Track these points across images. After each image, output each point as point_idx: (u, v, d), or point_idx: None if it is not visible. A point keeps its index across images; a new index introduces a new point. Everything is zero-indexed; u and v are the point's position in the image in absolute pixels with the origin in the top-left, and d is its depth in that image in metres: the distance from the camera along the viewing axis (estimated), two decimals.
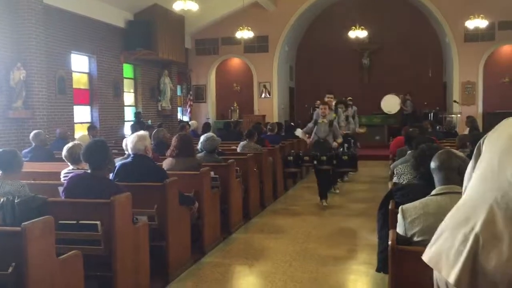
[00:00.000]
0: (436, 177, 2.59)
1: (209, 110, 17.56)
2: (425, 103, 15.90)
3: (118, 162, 4.69)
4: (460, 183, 2.65)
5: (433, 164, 2.61)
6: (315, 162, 7.57)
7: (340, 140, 7.87)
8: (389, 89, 16.62)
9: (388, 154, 8.65)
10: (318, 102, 10.35)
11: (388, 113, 15.72)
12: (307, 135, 8.09)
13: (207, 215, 5.37)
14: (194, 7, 10.57)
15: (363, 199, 8.36)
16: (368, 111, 16.07)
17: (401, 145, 6.55)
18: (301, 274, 4.73)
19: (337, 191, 8.86)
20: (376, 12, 16.88)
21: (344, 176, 9.98)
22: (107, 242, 3.61)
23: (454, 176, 2.53)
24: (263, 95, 17.04)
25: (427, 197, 2.57)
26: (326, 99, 8.75)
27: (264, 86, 16.98)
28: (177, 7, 10.61)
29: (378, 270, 3.39)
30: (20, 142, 9.05)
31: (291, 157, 8.22)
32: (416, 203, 2.57)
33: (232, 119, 16.54)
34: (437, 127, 12.22)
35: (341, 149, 8.02)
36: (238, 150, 8.02)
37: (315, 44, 17.94)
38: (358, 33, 15.48)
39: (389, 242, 2.31)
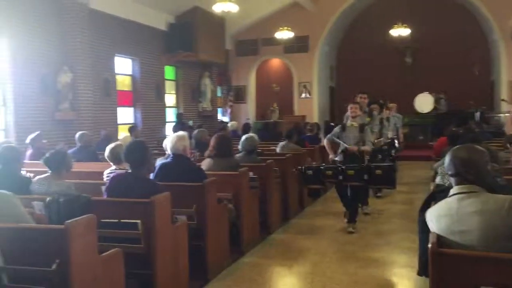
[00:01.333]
0: (451, 175, 2.53)
1: (249, 111, 17.63)
2: (471, 102, 15.40)
3: (158, 162, 4.77)
4: (483, 182, 2.56)
5: (449, 161, 2.54)
6: (340, 177, 6.01)
7: (367, 148, 6.38)
8: (433, 88, 16.25)
9: (431, 155, 8.37)
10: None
11: (421, 112, 15.38)
12: (332, 150, 6.68)
13: (246, 215, 5.39)
14: (234, 8, 10.64)
15: (403, 201, 8.19)
16: (411, 110, 15.72)
17: (445, 146, 6.37)
18: (341, 276, 4.68)
19: (367, 210, 7.28)
20: (419, 9, 16.51)
21: (378, 191, 8.33)
22: (147, 241, 3.68)
23: (472, 175, 2.45)
24: (303, 95, 16.97)
25: (445, 199, 2.51)
26: (358, 99, 7.22)
27: (304, 86, 16.90)
28: (217, 8, 10.71)
29: (420, 273, 3.30)
30: (67, 143, 9.35)
31: (311, 171, 6.22)
32: (436, 206, 2.52)
33: (272, 120, 16.56)
34: (483, 126, 11.83)
35: (379, 157, 6.85)
36: (277, 150, 8.02)
37: (357, 43, 17.73)
38: (400, 31, 15.18)
39: (429, 245, 2.25)
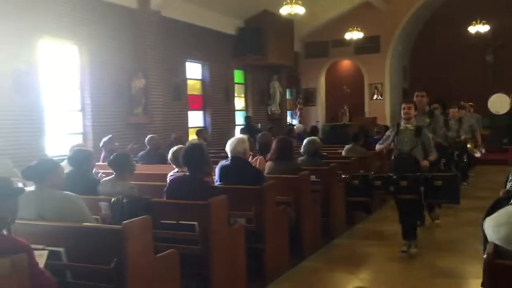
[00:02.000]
0: None
1: (318, 113, 17.47)
2: None
3: (219, 164, 4.85)
4: None
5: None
6: (391, 188, 5.17)
7: (433, 156, 5.42)
8: None
9: (507, 158, 7.83)
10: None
11: (496, 113, 14.35)
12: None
13: (306, 219, 5.34)
14: (301, 10, 10.59)
15: (478, 208, 7.72)
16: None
17: None
18: (406, 284, 4.51)
19: (436, 221, 6.61)
20: (499, 4, 15.55)
21: (435, 208, 6.87)
22: (204, 242, 3.75)
23: None
24: (374, 97, 16.56)
25: (504, 208, 2.33)
26: (415, 98, 6.31)
27: (376, 88, 16.49)
28: (284, 11, 10.72)
29: (483, 285, 3.11)
30: (139, 146, 9.76)
31: (357, 181, 5.50)
32: (494, 214, 2.34)
33: (342, 122, 16.31)
34: None
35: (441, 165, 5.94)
36: (343, 153, 7.87)
37: (432, 42, 17.04)
38: (479, 28, 14.39)
39: (484, 256, 2.10)
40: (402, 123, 5.49)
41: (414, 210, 5.44)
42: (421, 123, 5.74)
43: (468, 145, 8.86)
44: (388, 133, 5.75)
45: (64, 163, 4.37)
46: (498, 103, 14.41)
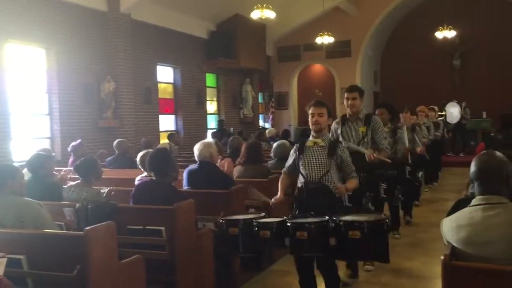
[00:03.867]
0: (475, 184, 2.39)
1: (291, 117, 17.57)
2: None
3: (186, 169, 4.82)
4: (506, 192, 2.42)
5: (471, 168, 2.40)
6: (286, 242, 3.27)
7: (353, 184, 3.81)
8: (484, 90, 15.68)
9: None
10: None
11: (450, 122, 14.28)
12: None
13: None
14: (272, 15, 10.65)
15: (444, 210, 7.88)
16: None
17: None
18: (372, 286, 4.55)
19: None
20: (466, 10, 15.97)
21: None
22: (171, 247, 3.72)
23: (496, 184, 2.31)
24: None
25: (464, 209, 2.38)
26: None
27: None
28: (255, 15, 10.76)
29: None
30: (110, 150, 9.63)
31: (236, 229, 3.41)
32: (453, 215, 2.38)
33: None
34: None
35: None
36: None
37: (401, 47, 17.37)
38: (446, 34, 14.71)
39: (441, 257, 2.14)
40: (310, 137, 3.85)
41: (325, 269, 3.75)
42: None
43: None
44: (292, 151, 4.03)
45: (26, 169, 4.27)
46: (449, 112, 14.24)
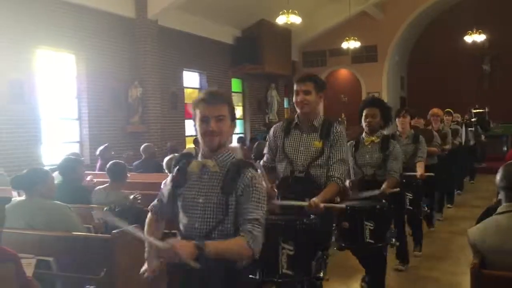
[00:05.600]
0: (501, 192, 2.34)
1: None
2: None
3: None
4: None
5: (497, 177, 2.36)
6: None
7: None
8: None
9: None
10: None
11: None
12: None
13: None
14: (297, 20, 10.66)
15: (473, 217, 7.70)
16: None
17: None
18: None
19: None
20: (495, 13, 15.66)
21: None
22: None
23: None
24: None
25: (491, 217, 2.33)
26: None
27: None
28: (280, 21, 10.78)
29: None
30: (136, 155, 9.75)
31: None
32: (480, 224, 2.33)
33: None
34: None
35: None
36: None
37: (429, 51, 17.15)
38: (475, 38, 14.47)
39: (470, 266, 2.10)
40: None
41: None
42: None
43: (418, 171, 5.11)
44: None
45: (56, 173, 4.37)
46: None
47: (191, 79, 12.46)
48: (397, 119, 5.43)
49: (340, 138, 3.23)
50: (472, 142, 10.79)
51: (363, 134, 4.31)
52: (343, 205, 3.25)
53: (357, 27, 14.90)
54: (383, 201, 3.86)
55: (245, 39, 13.63)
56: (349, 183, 4.12)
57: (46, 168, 4.51)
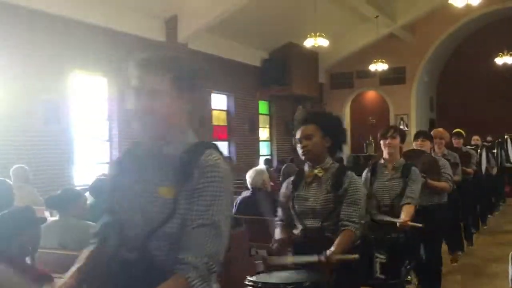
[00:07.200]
0: None
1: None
2: None
3: (240, 196, 4.87)
4: None
5: None
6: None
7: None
8: None
9: None
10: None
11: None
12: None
13: None
14: (325, 43, 10.71)
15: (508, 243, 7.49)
16: None
17: None
18: None
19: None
20: None
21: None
22: (227, 273, 3.74)
23: None
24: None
25: None
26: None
27: (401, 119, 16.37)
28: (308, 44, 10.86)
29: None
30: None
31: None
32: None
33: (367, 153, 16.18)
34: None
35: None
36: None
37: (458, 73, 16.92)
38: (506, 60, 14.26)
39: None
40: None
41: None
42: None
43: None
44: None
45: (87, 193, 4.46)
46: None
47: (219, 101, 12.60)
48: (381, 142, 3.96)
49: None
50: (495, 171, 8.78)
51: (305, 166, 2.95)
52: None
53: (385, 49, 14.88)
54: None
55: (272, 61, 13.76)
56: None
57: (78, 188, 4.61)
